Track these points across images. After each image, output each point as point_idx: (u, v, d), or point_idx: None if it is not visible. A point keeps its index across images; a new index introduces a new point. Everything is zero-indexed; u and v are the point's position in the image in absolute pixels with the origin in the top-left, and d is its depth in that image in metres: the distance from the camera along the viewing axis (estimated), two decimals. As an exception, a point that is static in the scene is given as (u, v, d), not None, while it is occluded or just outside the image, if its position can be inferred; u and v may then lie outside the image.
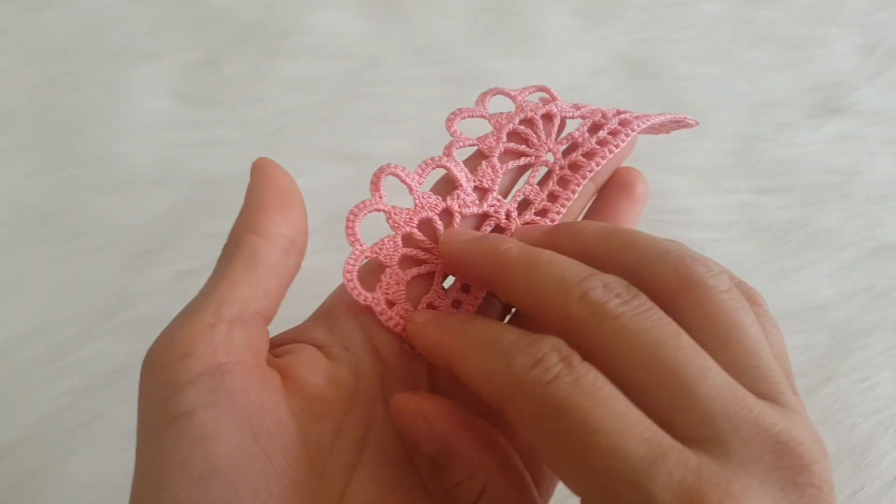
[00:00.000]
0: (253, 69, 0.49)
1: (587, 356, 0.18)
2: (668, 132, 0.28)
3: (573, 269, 0.19)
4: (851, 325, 0.39)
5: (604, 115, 0.25)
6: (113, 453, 0.33)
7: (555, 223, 0.25)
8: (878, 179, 0.46)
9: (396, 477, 0.20)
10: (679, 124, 0.27)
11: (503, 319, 0.26)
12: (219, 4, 0.53)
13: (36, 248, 0.40)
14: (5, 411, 0.34)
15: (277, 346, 0.22)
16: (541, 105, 0.25)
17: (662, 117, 0.25)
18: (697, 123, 0.27)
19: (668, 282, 0.19)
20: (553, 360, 0.17)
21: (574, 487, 0.16)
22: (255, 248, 0.20)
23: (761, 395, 0.17)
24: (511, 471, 0.20)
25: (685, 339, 0.17)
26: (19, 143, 0.44)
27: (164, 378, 0.18)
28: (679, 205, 0.44)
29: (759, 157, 0.46)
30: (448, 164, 0.24)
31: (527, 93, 0.26)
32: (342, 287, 0.23)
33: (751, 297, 0.20)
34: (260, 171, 0.21)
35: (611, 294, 0.18)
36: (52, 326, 0.36)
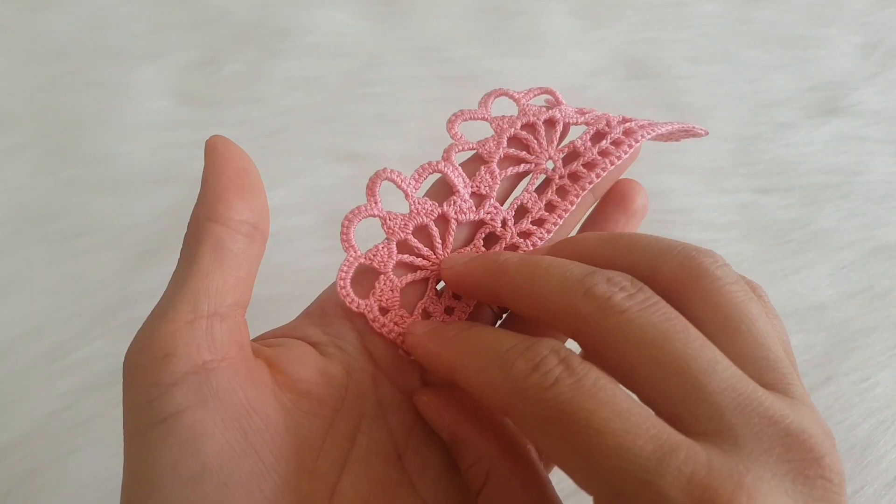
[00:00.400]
0: (253, 69, 0.49)
1: (595, 352, 0.18)
2: (677, 140, 0.28)
3: (574, 268, 0.19)
4: (851, 325, 0.39)
5: (608, 123, 0.25)
6: (113, 453, 0.33)
7: (552, 236, 0.25)
8: (878, 179, 0.46)
9: (385, 473, 0.21)
10: (688, 133, 0.27)
11: (495, 323, 0.26)
12: (219, 4, 0.53)
13: (36, 248, 0.40)
14: (5, 411, 0.34)
15: (269, 339, 0.22)
16: (544, 110, 0.25)
17: (669, 126, 0.25)
18: (707, 133, 0.26)
19: (675, 275, 0.19)
20: (552, 362, 0.17)
21: (585, 488, 0.16)
22: (218, 237, 0.20)
23: (770, 386, 0.17)
24: (516, 457, 0.20)
25: (693, 333, 0.17)
26: (19, 143, 0.44)
27: (148, 379, 0.18)
28: (679, 205, 0.44)
29: (759, 157, 0.46)
30: (445, 170, 0.23)
31: (531, 95, 0.25)
32: (336, 286, 0.23)
33: (753, 290, 0.20)
34: (214, 152, 0.21)
35: (615, 288, 0.18)
36: (52, 326, 0.36)
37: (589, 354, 0.18)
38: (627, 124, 0.25)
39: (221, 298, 0.19)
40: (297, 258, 0.39)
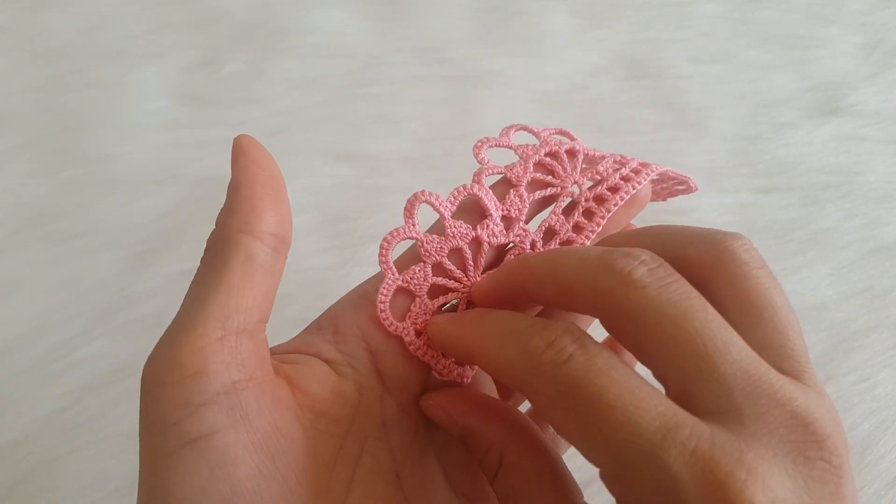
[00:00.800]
0: (253, 69, 0.49)
1: (614, 327, 0.18)
2: (664, 199, 0.29)
3: (592, 249, 0.19)
4: (851, 325, 0.39)
5: (623, 158, 0.26)
6: (113, 453, 0.33)
7: None
8: (878, 179, 0.46)
9: (385, 492, 0.21)
10: (681, 189, 0.28)
11: None
12: (219, 4, 0.53)
13: (36, 248, 0.40)
14: (5, 411, 0.34)
15: (285, 354, 0.22)
16: (564, 141, 0.26)
17: (673, 171, 0.26)
18: (697, 188, 0.28)
19: (701, 259, 0.19)
20: (566, 341, 0.17)
21: (593, 460, 0.17)
22: (250, 250, 0.19)
23: (785, 372, 0.17)
24: (524, 438, 0.21)
25: (712, 313, 0.17)
26: (19, 143, 0.44)
27: (177, 398, 0.17)
28: (679, 205, 0.44)
29: (759, 157, 0.46)
30: (479, 193, 0.24)
31: (548, 132, 0.26)
32: (350, 299, 0.23)
33: None
34: (245, 156, 0.20)
35: (636, 261, 0.18)
36: (52, 326, 0.36)
37: (609, 329, 0.18)
38: (641, 161, 0.26)
39: (250, 315, 0.19)
40: (297, 258, 0.39)
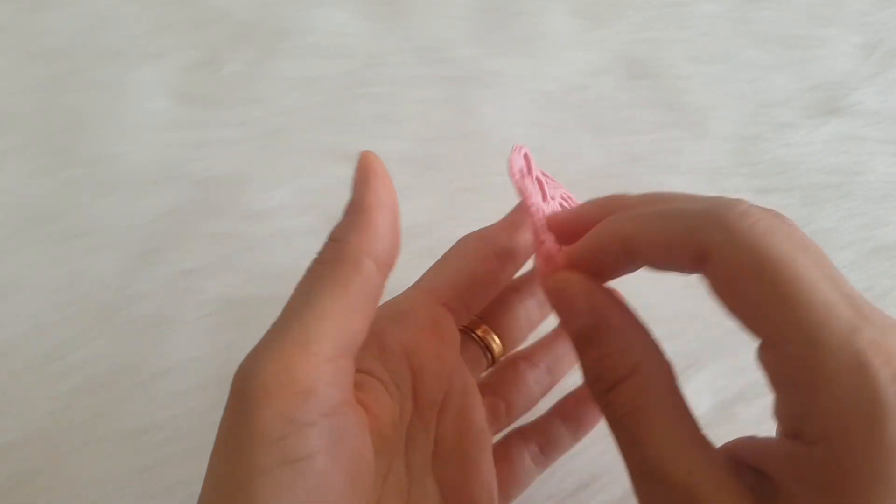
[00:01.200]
0: (253, 69, 0.49)
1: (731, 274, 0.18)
2: None
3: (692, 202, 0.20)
4: (851, 325, 0.39)
5: None
6: (113, 453, 0.33)
7: None
8: (878, 179, 0.46)
9: None
10: None
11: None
12: (219, 4, 0.53)
13: (36, 248, 0.40)
14: (5, 411, 0.34)
15: None
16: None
17: None
18: None
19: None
20: (761, 213, 0.17)
21: (768, 334, 0.17)
22: (369, 275, 0.19)
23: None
24: (661, 356, 0.19)
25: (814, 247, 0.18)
26: (19, 143, 0.44)
27: (285, 412, 0.17)
28: (679, 205, 0.44)
29: (759, 157, 0.46)
30: (539, 180, 0.26)
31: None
32: (388, 316, 0.23)
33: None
34: (375, 178, 0.20)
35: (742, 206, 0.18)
36: (52, 326, 0.36)
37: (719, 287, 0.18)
38: None
39: (357, 339, 0.19)
40: (297, 258, 0.39)
